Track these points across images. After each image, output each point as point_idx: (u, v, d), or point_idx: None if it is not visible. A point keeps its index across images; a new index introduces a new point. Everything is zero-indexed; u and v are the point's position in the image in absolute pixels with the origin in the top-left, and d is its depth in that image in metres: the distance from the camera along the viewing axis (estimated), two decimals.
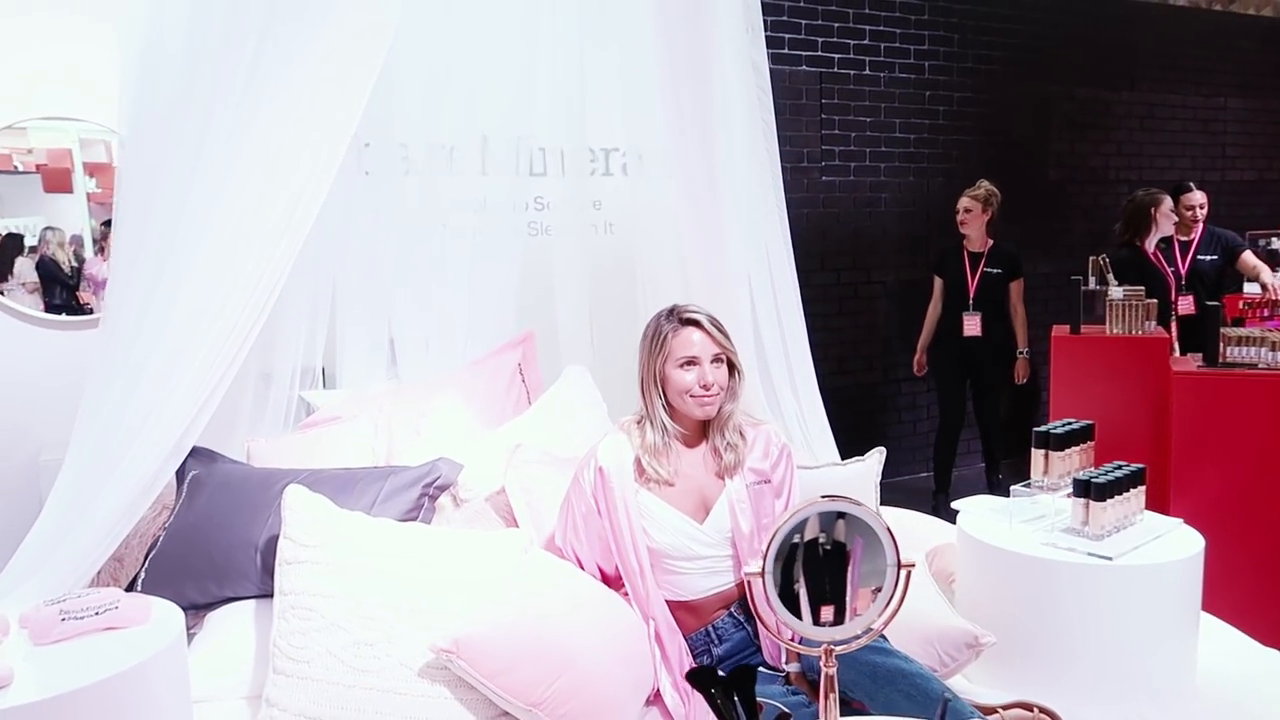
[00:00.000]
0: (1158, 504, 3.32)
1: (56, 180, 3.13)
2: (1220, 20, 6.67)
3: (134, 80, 2.07)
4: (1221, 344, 3.33)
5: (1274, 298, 4.11)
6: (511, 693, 1.74)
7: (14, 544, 1.99)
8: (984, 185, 4.67)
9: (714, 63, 2.54)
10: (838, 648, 1.24)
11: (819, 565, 1.18)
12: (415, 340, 3.10)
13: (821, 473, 2.46)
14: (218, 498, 2.27)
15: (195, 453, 2.40)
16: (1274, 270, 4.42)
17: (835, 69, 5.31)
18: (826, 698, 1.19)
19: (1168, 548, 1.98)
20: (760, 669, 1.96)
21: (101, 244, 3.24)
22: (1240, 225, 5.16)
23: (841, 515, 1.23)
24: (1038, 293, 6.03)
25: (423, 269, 3.08)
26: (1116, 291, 3.68)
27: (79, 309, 3.24)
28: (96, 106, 3.09)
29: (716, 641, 2.01)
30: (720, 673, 1.16)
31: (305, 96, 1.95)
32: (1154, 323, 3.66)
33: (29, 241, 3.17)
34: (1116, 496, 1.99)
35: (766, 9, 4.94)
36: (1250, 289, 4.36)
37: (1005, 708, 1.78)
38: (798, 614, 1.23)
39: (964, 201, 4.69)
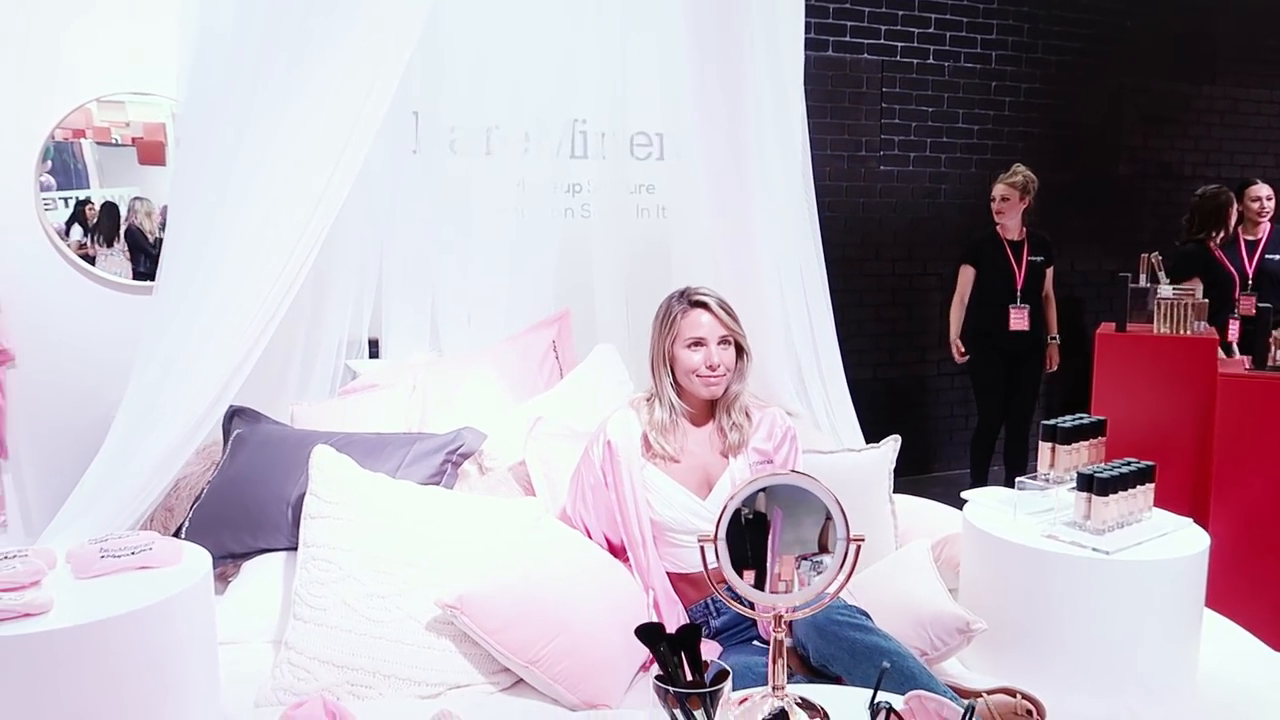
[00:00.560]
0: (1199, 505, 3.29)
1: (150, 153, 3.25)
2: None
3: (190, 59, 2.23)
4: (1272, 347, 3.25)
5: None
6: (509, 649, 1.85)
7: None
8: (1021, 171, 4.44)
9: (745, 52, 2.58)
10: (793, 613, 1.30)
11: (740, 533, 1.24)
12: (457, 315, 3.22)
13: (836, 458, 2.50)
14: (257, 455, 2.41)
15: (243, 413, 2.57)
16: None
17: (898, 57, 5.26)
18: (774, 661, 1.25)
19: (1170, 546, 1.97)
20: (754, 642, 2.03)
21: None
22: None
23: (763, 490, 1.28)
24: (1102, 290, 5.91)
25: (467, 246, 3.19)
26: (1166, 290, 3.60)
27: None
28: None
29: (715, 614, 2.08)
30: (669, 631, 1.23)
31: (339, 80, 2.07)
32: (1204, 323, 3.57)
33: (121, 211, 3.36)
34: (1121, 492, 1.99)
35: None
36: None
37: (990, 692, 1.81)
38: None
39: (1000, 189, 4.45)
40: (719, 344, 2.05)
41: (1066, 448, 2.11)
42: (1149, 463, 2.08)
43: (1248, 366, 3.33)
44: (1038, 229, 4.63)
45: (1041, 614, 1.98)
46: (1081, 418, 2.16)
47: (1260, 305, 3.51)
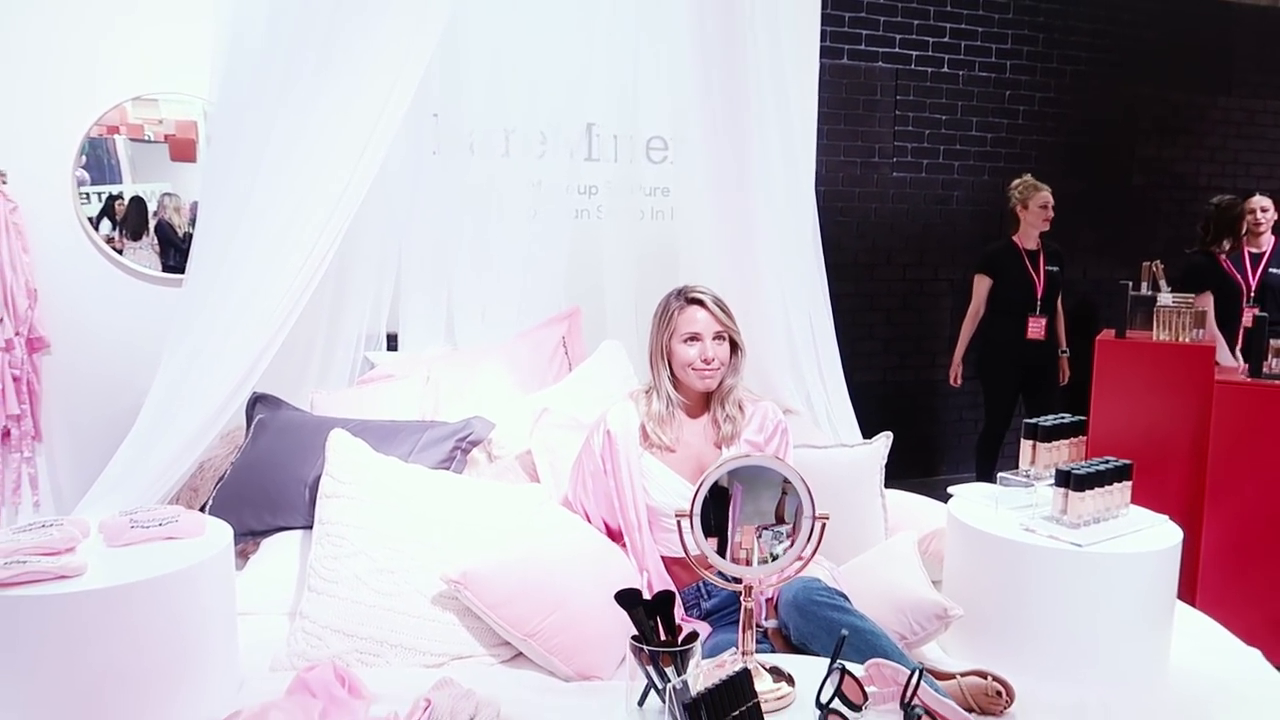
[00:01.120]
0: (1194, 510, 3.35)
1: (182, 150, 3.35)
2: None
3: (223, 61, 2.37)
4: (1269, 356, 3.31)
5: None
6: (509, 623, 1.96)
7: None
8: (1028, 180, 4.57)
9: (749, 59, 2.69)
10: (762, 584, 1.40)
11: (705, 505, 1.35)
12: (472, 310, 3.35)
13: (830, 453, 2.59)
14: (277, 439, 2.54)
15: (265, 400, 2.70)
16: None
17: (912, 66, 5.35)
18: (744, 631, 1.35)
19: (1143, 540, 2.05)
20: None
21: None
22: None
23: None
24: (1114, 299, 5.94)
25: (483, 244, 3.32)
26: (1166, 297, 3.66)
27: None
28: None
29: (706, 596, 2.18)
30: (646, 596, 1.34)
31: (362, 84, 2.20)
32: (1203, 331, 3.63)
33: (150, 206, 3.49)
34: (1097, 489, 2.07)
35: (843, 4, 5.07)
36: None
37: (963, 675, 1.91)
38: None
39: (1046, 195, 4.55)
40: (714, 339, 2.16)
41: (1047, 445, 2.19)
42: (1126, 461, 2.15)
43: (1243, 373, 3.38)
44: (1049, 240, 4.71)
45: (1018, 604, 2.06)
46: (1063, 417, 2.24)
47: (1258, 314, 3.56)
